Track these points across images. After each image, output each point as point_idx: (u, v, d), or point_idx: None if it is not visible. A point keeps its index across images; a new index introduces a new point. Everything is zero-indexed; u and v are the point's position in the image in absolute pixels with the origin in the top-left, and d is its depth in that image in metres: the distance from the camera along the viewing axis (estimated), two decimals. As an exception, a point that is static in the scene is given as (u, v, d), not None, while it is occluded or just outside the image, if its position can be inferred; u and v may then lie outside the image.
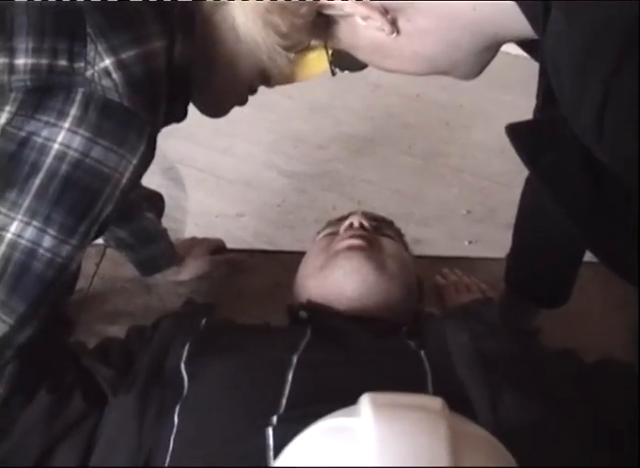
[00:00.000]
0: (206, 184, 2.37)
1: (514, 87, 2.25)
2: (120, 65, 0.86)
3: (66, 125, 0.86)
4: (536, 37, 0.74)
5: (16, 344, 0.93)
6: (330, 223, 1.37)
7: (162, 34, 0.89)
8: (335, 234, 1.26)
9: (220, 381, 0.97)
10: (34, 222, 0.88)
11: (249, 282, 1.50)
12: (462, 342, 1.01)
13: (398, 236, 1.35)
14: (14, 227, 0.88)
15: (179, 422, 0.94)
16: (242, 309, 1.38)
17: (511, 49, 0.89)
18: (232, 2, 0.91)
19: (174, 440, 0.92)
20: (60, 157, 0.87)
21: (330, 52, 0.98)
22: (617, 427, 0.92)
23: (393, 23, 0.81)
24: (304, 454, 0.67)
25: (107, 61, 0.86)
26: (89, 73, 0.86)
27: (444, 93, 2.61)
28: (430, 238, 2.12)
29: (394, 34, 0.82)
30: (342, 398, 0.71)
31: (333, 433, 0.67)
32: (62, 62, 0.86)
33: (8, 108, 0.87)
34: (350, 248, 1.18)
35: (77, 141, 0.87)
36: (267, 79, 1.00)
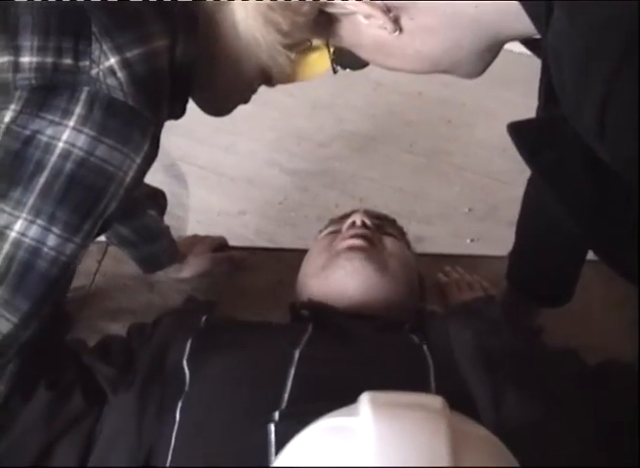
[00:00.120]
0: (208, 182, 2.37)
1: (516, 85, 2.25)
2: (125, 64, 0.86)
3: (71, 123, 0.86)
4: (538, 36, 0.74)
5: (18, 342, 0.93)
6: (332, 221, 1.37)
7: (164, 33, 0.89)
8: (337, 233, 1.26)
9: (221, 377, 0.97)
10: (38, 221, 0.88)
11: (251, 279, 1.50)
12: (465, 339, 1.01)
13: (400, 234, 1.35)
14: (18, 226, 0.88)
15: (180, 419, 0.94)
16: (244, 307, 1.38)
17: (514, 46, 0.89)
18: (234, 1, 0.91)
19: (175, 436, 0.92)
20: (65, 156, 0.87)
21: (331, 50, 0.98)
22: (617, 427, 0.92)
23: (395, 22, 0.81)
24: (304, 454, 0.66)
25: (112, 60, 0.86)
26: (94, 72, 0.86)
27: (446, 90, 2.61)
28: (432, 236, 2.13)
29: (396, 33, 0.82)
30: (345, 393, 0.71)
31: (332, 432, 0.66)
32: (67, 61, 0.86)
33: (13, 107, 0.87)
34: (352, 248, 1.18)
35: (82, 140, 0.87)
36: (269, 78, 1.00)
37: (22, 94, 0.87)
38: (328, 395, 0.86)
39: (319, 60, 1.00)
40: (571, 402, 0.94)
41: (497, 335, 1.03)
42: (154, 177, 1.04)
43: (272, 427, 0.83)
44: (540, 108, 0.87)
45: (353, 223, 1.25)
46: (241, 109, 1.08)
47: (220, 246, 1.58)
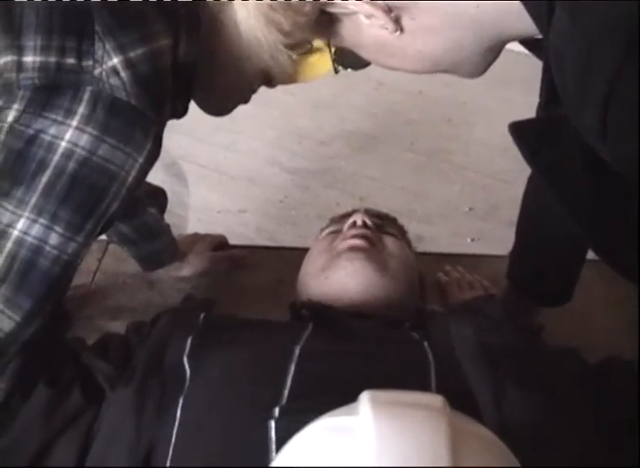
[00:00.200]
0: (208, 180, 2.38)
1: (517, 84, 2.25)
2: (128, 64, 0.86)
3: (74, 123, 0.87)
4: (539, 36, 0.74)
5: (20, 340, 0.94)
6: (333, 221, 1.37)
7: (167, 32, 0.89)
8: (338, 232, 1.26)
9: (221, 374, 0.97)
10: (41, 220, 0.88)
11: (251, 278, 1.50)
12: (466, 336, 1.01)
13: (401, 234, 1.34)
14: (20, 224, 0.88)
15: (181, 415, 0.94)
16: (244, 305, 1.38)
17: (514, 46, 0.89)
18: (235, 1, 0.91)
19: (176, 433, 0.92)
20: (68, 155, 0.87)
21: (333, 50, 0.98)
22: (618, 426, 0.92)
23: (397, 22, 0.81)
24: (304, 454, 0.66)
25: (116, 60, 0.86)
26: (97, 71, 0.87)
27: (447, 90, 2.61)
28: (432, 235, 2.13)
29: (398, 33, 0.82)
30: (346, 388, 0.71)
31: (332, 432, 0.66)
32: (71, 60, 0.87)
33: (16, 106, 0.87)
34: (352, 248, 1.18)
35: (85, 139, 0.87)
36: (270, 79, 1.00)
37: (26, 93, 0.87)
38: (328, 390, 0.86)
39: (321, 62, 1.00)
40: (572, 400, 0.94)
41: (498, 333, 1.03)
42: (155, 176, 1.04)
43: (272, 423, 0.83)
44: (541, 108, 0.87)
45: (354, 223, 1.25)
46: (242, 108, 1.08)
47: (220, 244, 1.58)
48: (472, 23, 0.80)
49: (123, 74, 0.86)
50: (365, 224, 1.24)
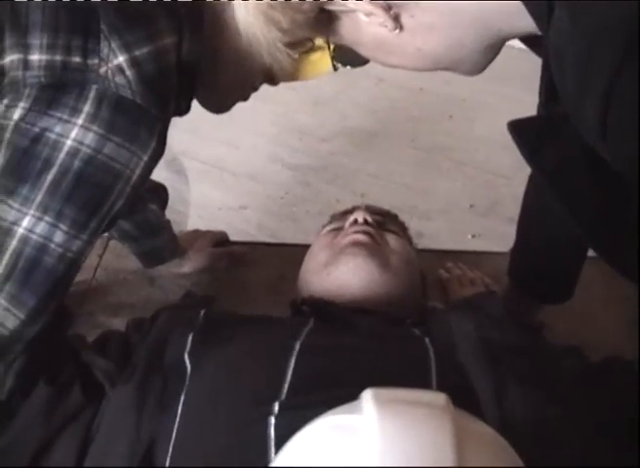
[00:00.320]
0: (209, 176, 2.38)
1: (518, 80, 2.25)
2: (134, 63, 0.87)
3: (80, 121, 0.87)
4: (539, 33, 0.74)
5: (25, 339, 0.94)
6: (334, 218, 1.37)
7: (172, 31, 0.90)
8: (339, 230, 1.26)
9: (222, 370, 0.97)
10: (46, 218, 0.88)
11: (252, 275, 1.50)
12: (467, 332, 1.01)
13: (402, 231, 1.34)
14: (25, 222, 0.88)
15: (181, 412, 0.94)
16: (245, 302, 1.38)
17: (515, 43, 0.88)
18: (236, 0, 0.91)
19: (177, 429, 0.92)
20: (73, 153, 0.87)
21: (332, 47, 0.98)
22: (618, 425, 0.92)
23: (396, 20, 0.81)
24: (307, 453, 0.66)
25: (121, 59, 0.87)
26: (102, 70, 0.87)
27: (447, 86, 2.61)
28: (433, 232, 2.13)
29: (397, 31, 0.82)
30: (346, 384, 0.71)
31: (335, 431, 0.66)
32: (76, 59, 0.87)
33: (22, 104, 0.88)
34: (354, 243, 1.17)
35: (90, 138, 0.87)
36: (271, 77, 1.00)
37: (32, 91, 0.88)
38: (328, 386, 0.86)
39: (322, 60, 1.00)
40: (573, 398, 0.94)
41: (499, 329, 1.03)
42: (156, 172, 1.04)
43: (272, 420, 0.83)
44: (540, 106, 0.87)
45: (355, 221, 1.24)
46: (243, 105, 1.08)
47: (220, 241, 1.58)
48: (473, 22, 0.80)
49: (128, 73, 0.87)
50: (366, 222, 1.24)
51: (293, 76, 1.02)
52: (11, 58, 0.88)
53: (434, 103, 2.70)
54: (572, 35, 0.66)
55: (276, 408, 0.85)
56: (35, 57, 0.87)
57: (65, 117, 0.87)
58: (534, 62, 0.85)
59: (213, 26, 0.94)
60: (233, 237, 1.62)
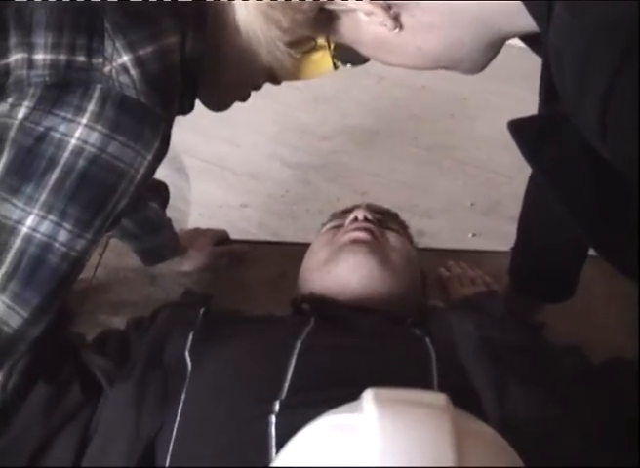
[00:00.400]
0: (210, 175, 2.38)
1: (519, 79, 2.24)
2: (138, 62, 0.87)
3: (84, 121, 0.87)
4: (539, 31, 0.74)
5: (30, 338, 0.94)
6: (334, 216, 1.37)
7: (175, 30, 0.90)
8: (339, 227, 1.26)
9: (223, 368, 0.97)
10: (50, 217, 0.88)
11: (252, 273, 1.50)
12: (468, 331, 1.01)
13: (403, 229, 1.34)
14: (29, 221, 0.88)
15: (182, 410, 0.94)
16: (245, 300, 1.38)
17: (516, 41, 0.88)
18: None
19: (177, 428, 0.92)
20: (78, 152, 0.88)
21: (332, 45, 0.98)
22: (618, 425, 0.92)
23: (396, 19, 0.81)
24: (307, 452, 0.66)
25: (125, 58, 0.87)
26: (107, 69, 0.87)
27: (449, 84, 2.60)
28: (434, 230, 2.13)
29: (397, 30, 0.82)
30: (347, 383, 0.71)
31: (336, 430, 0.66)
32: (81, 58, 0.87)
33: (26, 103, 0.88)
34: (355, 241, 1.17)
35: (94, 137, 0.88)
36: (273, 76, 1.01)
37: (36, 91, 0.88)
38: (329, 384, 0.87)
39: (324, 59, 1.00)
40: (574, 397, 0.94)
41: (500, 329, 1.03)
42: (157, 170, 1.04)
43: (272, 418, 0.84)
44: (541, 105, 0.87)
45: (356, 219, 1.24)
46: (244, 103, 1.08)
47: (221, 239, 1.58)
48: (473, 21, 0.80)
49: (133, 72, 0.87)
50: (366, 219, 1.24)
51: (294, 75, 1.02)
52: (15, 57, 0.88)
53: (435, 102, 2.70)
54: (571, 35, 0.66)
55: (277, 406, 0.85)
56: (40, 56, 0.87)
57: (70, 116, 0.87)
58: (535, 61, 0.85)
59: (214, 25, 0.94)
60: (234, 235, 1.62)
